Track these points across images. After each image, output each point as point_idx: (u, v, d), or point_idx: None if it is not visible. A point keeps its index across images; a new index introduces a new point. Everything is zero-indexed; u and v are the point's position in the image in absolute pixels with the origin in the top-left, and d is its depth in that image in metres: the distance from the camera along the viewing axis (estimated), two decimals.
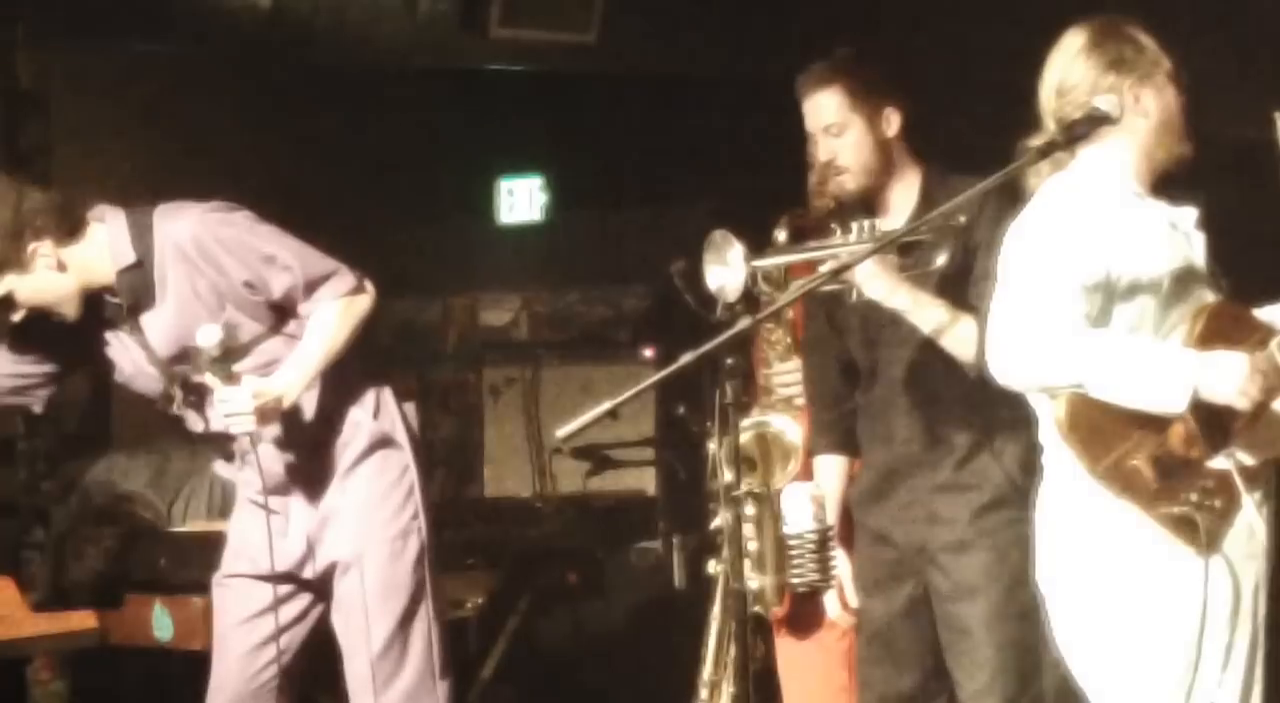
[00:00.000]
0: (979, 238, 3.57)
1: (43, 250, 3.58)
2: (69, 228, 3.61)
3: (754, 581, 3.73)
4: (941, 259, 3.53)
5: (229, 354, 3.58)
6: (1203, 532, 3.03)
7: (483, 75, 6.57)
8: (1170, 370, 2.99)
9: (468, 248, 7.66)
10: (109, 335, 3.74)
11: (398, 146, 7.38)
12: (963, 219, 3.49)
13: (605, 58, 6.01)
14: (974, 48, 5.72)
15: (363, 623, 3.70)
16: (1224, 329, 3.11)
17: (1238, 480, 3.07)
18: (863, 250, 3.34)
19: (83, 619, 4.64)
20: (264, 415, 3.58)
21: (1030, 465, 3.44)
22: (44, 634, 4.58)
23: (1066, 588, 3.15)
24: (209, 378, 3.58)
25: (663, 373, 3.06)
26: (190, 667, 4.60)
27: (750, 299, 3.57)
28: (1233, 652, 3.08)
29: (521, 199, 8.00)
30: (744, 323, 3.07)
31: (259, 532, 3.70)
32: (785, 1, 6.07)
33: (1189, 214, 3.23)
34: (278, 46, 5.69)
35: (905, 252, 3.52)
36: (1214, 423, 3.05)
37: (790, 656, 4.08)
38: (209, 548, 4.39)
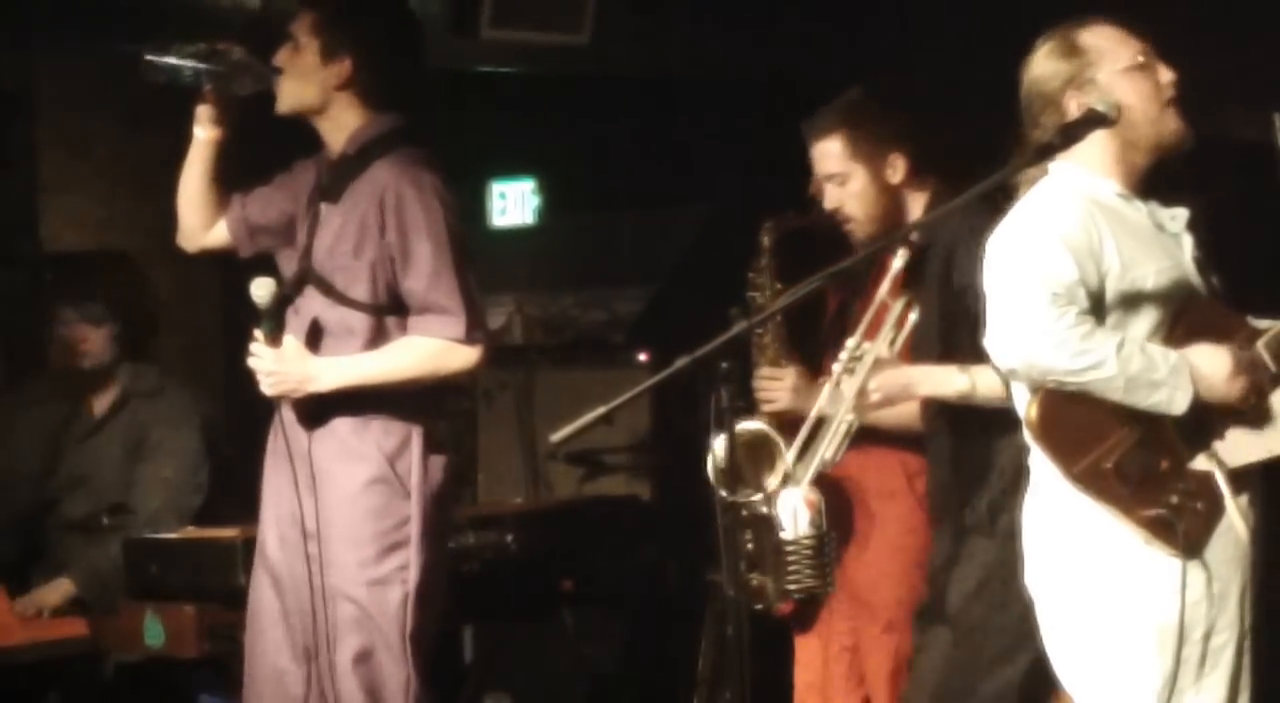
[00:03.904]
0: (963, 281, 3.55)
1: (341, 73, 3.74)
2: (365, 87, 3.75)
3: (754, 579, 3.74)
4: (914, 316, 3.62)
5: (278, 313, 3.65)
6: (1180, 534, 3.02)
7: (473, 77, 6.52)
8: (1172, 371, 2.98)
9: None
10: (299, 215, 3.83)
11: None
12: (902, 253, 3.57)
13: (597, 59, 5.97)
14: (975, 46, 5.68)
15: (327, 656, 3.69)
16: (1206, 328, 3.11)
17: (1221, 483, 3.05)
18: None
19: (73, 627, 4.61)
20: (279, 385, 3.63)
21: (997, 506, 3.57)
22: (33, 642, 4.54)
23: (1049, 590, 3.15)
24: (257, 330, 3.66)
25: (657, 377, 3.05)
26: (182, 675, 4.60)
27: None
28: (1217, 656, 3.07)
29: (513, 202, 7.96)
30: (739, 327, 3.08)
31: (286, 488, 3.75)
32: (779, 2, 6.04)
33: (1179, 215, 3.22)
34: (267, 47, 5.65)
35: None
36: (1193, 424, 3.04)
37: (804, 660, 4.11)
38: (201, 555, 4.37)
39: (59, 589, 4.66)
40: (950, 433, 3.71)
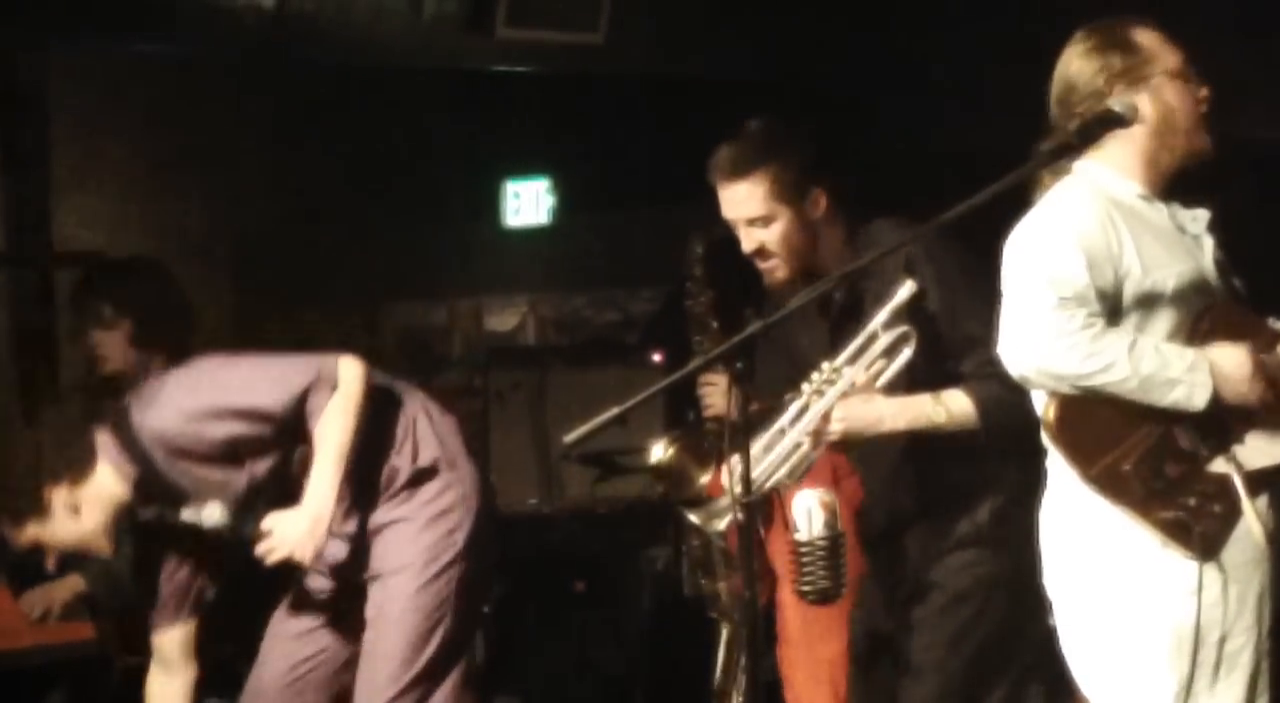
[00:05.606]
0: (931, 306, 3.48)
1: (58, 497, 3.63)
2: (80, 470, 3.66)
3: (705, 584, 3.74)
4: (908, 351, 3.42)
5: (241, 520, 3.66)
6: (1197, 537, 3.00)
7: (488, 76, 6.53)
8: (1190, 368, 2.98)
9: (473, 251, 7.62)
10: None
11: (402, 149, 7.35)
12: (910, 284, 3.39)
13: (612, 58, 5.97)
14: (987, 47, 5.68)
15: (383, 634, 3.72)
16: (1227, 331, 3.09)
17: (1239, 486, 3.04)
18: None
19: (80, 630, 4.60)
20: (306, 549, 3.62)
21: (1002, 516, 3.50)
22: (42, 645, 4.54)
23: (1065, 593, 3.15)
24: (245, 539, 3.67)
25: (671, 378, 3.04)
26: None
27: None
28: (1234, 660, 3.05)
29: (527, 202, 7.97)
30: (753, 327, 3.05)
31: None
32: (793, 2, 6.04)
33: (1201, 216, 3.20)
34: (281, 47, 5.65)
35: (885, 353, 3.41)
36: (1211, 426, 3.02)
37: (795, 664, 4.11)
38: None
39: (69, 584, 4.65)
40: (919, 454, 3.64)
